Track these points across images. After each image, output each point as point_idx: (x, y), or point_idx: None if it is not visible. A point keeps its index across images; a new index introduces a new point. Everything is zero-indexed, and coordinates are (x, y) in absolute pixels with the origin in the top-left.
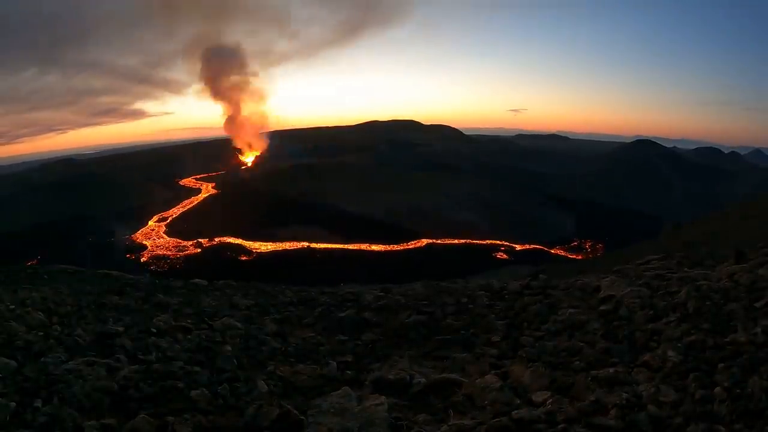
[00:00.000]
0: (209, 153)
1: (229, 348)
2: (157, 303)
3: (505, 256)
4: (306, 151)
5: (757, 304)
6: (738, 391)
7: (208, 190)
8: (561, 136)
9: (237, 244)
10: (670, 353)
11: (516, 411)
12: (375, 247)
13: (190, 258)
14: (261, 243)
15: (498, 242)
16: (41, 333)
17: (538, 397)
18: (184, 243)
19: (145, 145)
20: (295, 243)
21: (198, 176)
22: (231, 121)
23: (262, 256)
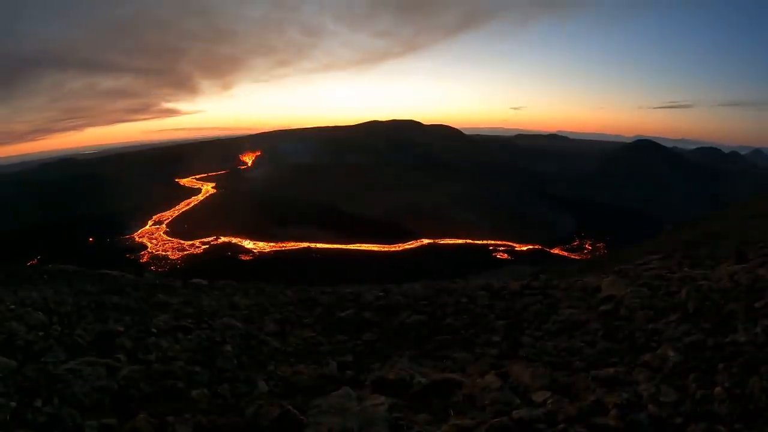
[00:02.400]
0: (211, 153)
1: (229, 348)
2: (157, 303)
3: (505, 256)
4: (306, 151)
5: (757, 304)
6: (738, 391)
7: (208, 190)
8: (561, 136)
9: (237, 244)
10: (670, 353)
11: (516, 411)
12: (375, 247)
13: (190, 258)
14: (261, 243)
15: (498, 242)
16: (41, 333)
17: (538, 397)
18: (185, 243)
19: (147, 145)
20: (295, 243)
21: (198, 176)
22: None
23: (262, 256)
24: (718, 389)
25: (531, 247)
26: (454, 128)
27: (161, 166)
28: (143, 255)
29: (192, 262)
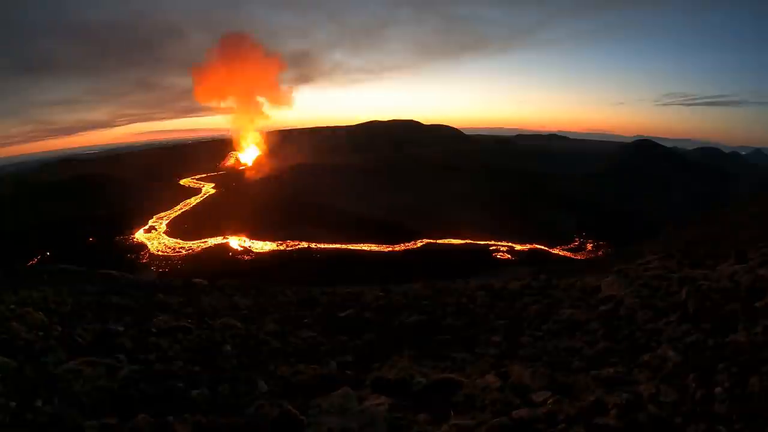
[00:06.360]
0: (211, 153)
1: (229, 348)
2: (157, 303)
3: (505, 256)
4: (306, 151)
5: (757, 304)
6: (738, 391)
7: (208, 190)
8: (561, 136)
9: (237, 244)
10: (670, 353)
11: (516, 411)
12: (375, 247)
13: (190, 258)
14: (261, 243)
15: (498, 242)
16: (41, 333)
17: (538, 397)
18: (185, 243)
19: (147, 145)
20: (295, 243)
21: (198, 176)
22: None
23: (262, 256)
24: (718, 389)
25: (531, 247)
26: (454, 128)
27: (161, 166)
28: (143, 255)
29: (192, 262)
